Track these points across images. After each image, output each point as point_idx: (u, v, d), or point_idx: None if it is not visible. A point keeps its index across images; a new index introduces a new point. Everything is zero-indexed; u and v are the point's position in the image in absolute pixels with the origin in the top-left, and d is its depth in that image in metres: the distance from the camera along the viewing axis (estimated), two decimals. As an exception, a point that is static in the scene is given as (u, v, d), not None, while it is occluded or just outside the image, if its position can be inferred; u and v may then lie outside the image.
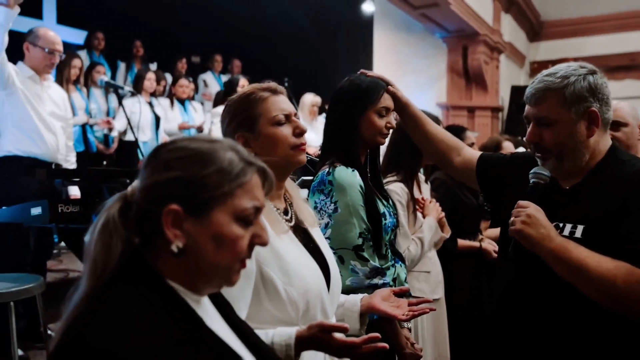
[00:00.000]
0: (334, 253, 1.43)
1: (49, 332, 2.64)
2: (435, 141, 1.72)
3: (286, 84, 5.25)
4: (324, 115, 4.65)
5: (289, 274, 1.16)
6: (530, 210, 1.29)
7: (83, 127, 4.96)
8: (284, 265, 1.16)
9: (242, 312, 1.08)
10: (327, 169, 1.59)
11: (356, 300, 1.39)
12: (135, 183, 0.84)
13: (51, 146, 3.15)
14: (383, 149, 2.05)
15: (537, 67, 8.99)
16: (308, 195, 1.64)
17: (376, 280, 1.53)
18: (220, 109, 3.48)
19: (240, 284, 1.00)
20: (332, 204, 1.54)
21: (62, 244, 4.22)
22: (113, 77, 5.88)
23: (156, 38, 6.29)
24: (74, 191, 3.34)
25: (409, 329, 1.70)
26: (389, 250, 1.70)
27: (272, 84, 1.31)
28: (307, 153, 1.39)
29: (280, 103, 1.28)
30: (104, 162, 5.16)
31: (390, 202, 1.77)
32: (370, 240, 1.58)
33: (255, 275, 1.13)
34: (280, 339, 1.09)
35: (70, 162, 3.38)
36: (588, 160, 1.38)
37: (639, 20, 8.12)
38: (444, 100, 8.14)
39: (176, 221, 0.79)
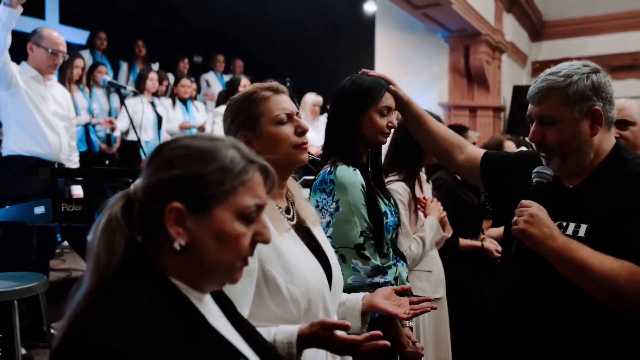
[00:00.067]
0: (336, 252, 1.43)
1: (52, 331, 2.65)
2: (438, 139, 1.71)
3: (288, 84, 5.25)
4: (325, 115, 4.65)
5: (291, 273, 1.16)
6: (533, 210, 1.28)
7: (86, 126, 4.98)
8: (286, 264, 1.17)
9: (245, 310, 1.09)
10: (328, 168, 1.60)
11: (358, 298, 1.39)
12: (138, 181, 0.85)
13: (54, 146, 3.16)
14: (385, 148, 2.05)
15: (539, 66, 8.99)
16: (310, 195, 1.64)
17: (377, 279, 1.53)
18: (222, 108, 3.49)
19: (242, 281, 1.00)
20: (334, 203, 1.55)
21: (65, 243, 4.24)
22: (115, 77, 5.90)
23: (158, 38, 6.30)
24: (77, 190, 3.36)
25: (411, 328, 1.71)
26: (391, 249, 1.70)
27: (274, 83, 1.31)
28: (309, 153, 1.39)
29: (282, 102, 1.29)
30: (106, 162, 5.18)
31: (392, 201, 1.77)
32: (372, 239, 1.58)
33: (258, 273, 1.14)
34: (283, 337, 1.09)
35: (73, 161, 3.39)
36: (592, 159, 1.37)
37: (641, 19, 8.11)
38: (445, 100, 8.14)
39: (179, 219, 0.79)
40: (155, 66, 6.25)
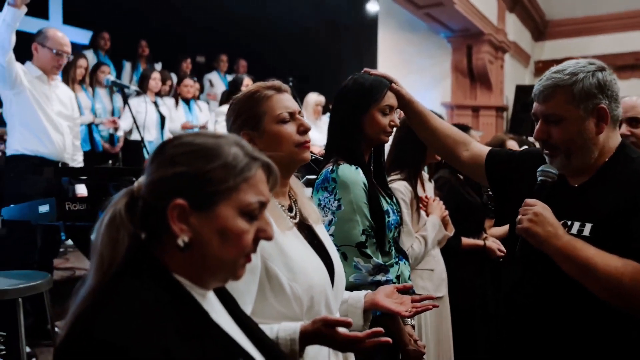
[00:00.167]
0: (338, 250, 1.44)
1: (56, 329, 2.66)
2: (441, 137, 1.71)
3: (290, 84, 5.26)
4: (328, 114, 4.66)
5: (294, 270, 1.17)
6: (537, 209, 1.28)
7: (89, 126, 4.99)
8: (288, 262, 1.17)
9: (247, 307, 1.10)
10: (331, 167, 1.60)
11: (360, 296, 1.40)
12: (142, 179, 0.85)
13: (58, 145, 3.18)
14: (387, 147, 2.06)
15: (541, 66, 8.97)
16: (312, 193, 1.65)
17: (379, 277, 1.54)
18: (225, 108, 3.49)
19: (245, 279, 1.01)
20: (336, 202, 1.55)
21: (68, 242, 4.26)
22: (118, 76, 5.91)
23: (161, 38, 6.32)
24: (81, 189, 3.38)
25: (413, 326, 1.71)
26: (393, 248, 1.70)
27: (277, 82, 1.32)
28: (311, 152, 1.40)
29: (285, 101, 1.29)
30: (109, 162, 5.19)
31: (394, 199, 1.77)
32: (374, 237, 1.58)
33: (260, 271, 1.14)
34: (285, 334, 1.10)
35: (77, 161, 3.41)
36: (597, 157, 1.36)
37: (644, 19, 8.10)
38: (448, 99, 8.14)
39: (182, 216, 0.80)
40: (158, 66, 6.26)
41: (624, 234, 1.26)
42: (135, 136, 5.04)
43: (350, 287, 1.46)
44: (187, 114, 5.60)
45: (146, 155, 4.21)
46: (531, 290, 1.41)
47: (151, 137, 4.97)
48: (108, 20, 6.01)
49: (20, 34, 2.89)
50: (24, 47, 3.11)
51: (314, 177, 1.74)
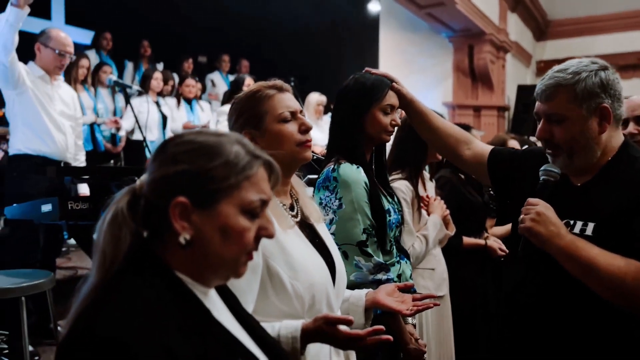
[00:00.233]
0: (339, 248, 1.44)
1: (59, 328, 2.67)
2: (443, 135, 1.71)
3: (292, 84, 5.26)
4: (329, 114, 4.66)
5: (295, 269, 1.17)
6: (539, 208, 1.27)
7: (91, 126, 5.01)
8: (290, 260, 1.18)
9: (249, 306, 1.10)
10: (332, 166, 1.61)
11: (361, 295, 1.40)
12: (144, 177, 0.86)
13: (60, 145, 3.19)
14: (388, 146, 2.06)
15: (543, 66, 8.97)
16: (313, 192, 1.65)
17: (380, 276, 1.54)
18: (227, 107, 3.49)
19: (247, 277, 1.01)
20: (337, 200, 1.56)
21: (71, 241, 4.27)
22: (120, 76, 5.93)
23: (163, 38, 6.33)
24: (83, 189, 3.38)
25: (414, 325, 1.72)
26: (394, 247, 1.71)
27: (278, 82, 1.32)
28: (313, 152, 1.40)
29: (286, 100, 1.30)
30: (111, 161, 5.21)
31: (396, 199, 1.78)
32: (375, 236, 1.59)
33: (262, 269, 1.15)
34: (287, 332, 1.10)
35: (79, 160, 3.42)
36: (600, 157, 1.36)
37: (647, 19, 8.09)
38: (450, 99, 8.14)
39: (184, 213, 0.80)
40: (160, 66, 6.28)
41: (626, 234, 1.25)
42: (137, 136, 5.06)
43: (351, 286, 1.47)
44: (189, 113, 5.61)
45: (148, 155, 4.22)
46: (533, 290, 1.40)
47: (153, 137, 4.98)
48: (110, 21, 6.02)
49: (22, 34, 2.90)
50: (27, 47, 3.12)
51: (315, 176, 1.74)
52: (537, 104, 1.40)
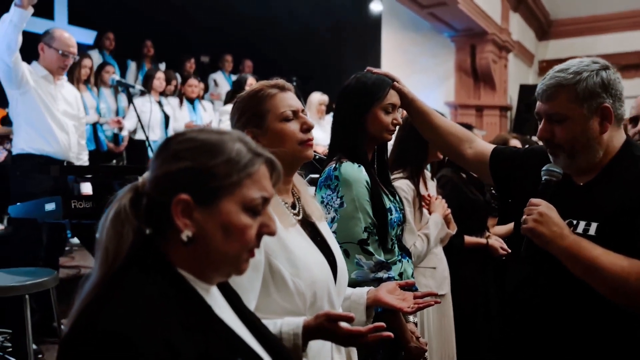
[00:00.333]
0: (340, 247, 1.45)
1: (62, 327, 2.68)
2: (444, 134, 1.71)
3: (294, 84, 5.27)
4: (331, 114, 4.66)
5: (297, 266, 1.18)
6: (542, 209, 1.27)
7: (94, 126, 5.03)
8: (291, 258, 1.18)
9: (251, 303, 1.11)
10: (333, 165, 1.61)
11: (362, 293, 1.41)
12: (146, 174, 0.86)
13: (63, 145, 3.20)
14: (390, 145, 2.06)
15: (545, 66, 8.95)
16: (315, 191, 1.66)
17: (381, 274, 1.55)
18: (229, 107, 3.50)
19: (249, 275, 1.02)
20: (338, 199, 1.56)
21: (74, 240, 4.29)
22: (123, 76, 5.94)
23: (166, 38, 6.34)
24: (86, 188, 3.40)
25: (415, 324, 1.72)
26: (396, 245, 1.71)
27: (280, 81, 1.33)
28: (315, 151, 1.41)
29: (288, 99, 1.31)
30: (114, 161, 5.23)
31: (397, 197, 1.78)
32: (376, 234, 1.60)
33: (264, 267, 1.15)
34: (289, 328, 1.11)
35: (82, 160, 3.43)
36: (601, 156, 1.35)
37: (649, 18, 8.07)
38: (452, 99, 8.14)
39: (186, 210, 0.81)
40: (163, 66, 6.29)
41: (630, 233, 1.25)
42: (139, 136, 5.07)
43: (352, 284, 1.47)
44: (192, 113, 5.62)
45: (150, 155, 4.23)
46: (536, 290, 1.40)
47: (155, 137, 5.00)
48: (113, 21, 6.04)
49: (26, 34, 2.92)
50: (30, 47, 3.13)
51: (317, 176, 1.75)
52: (538, 103, 1.39)
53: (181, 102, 5.58)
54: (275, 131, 1.28)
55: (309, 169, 2.35)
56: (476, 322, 2.51)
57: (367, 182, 1.59)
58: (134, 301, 0.75)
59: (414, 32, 8.08)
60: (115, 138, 5.25)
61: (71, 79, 4.41)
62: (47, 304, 2.66)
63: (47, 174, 2.94)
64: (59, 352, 0.75)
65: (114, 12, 6.08)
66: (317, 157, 2.00)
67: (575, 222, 1.34)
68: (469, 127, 2.71)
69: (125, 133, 5.11)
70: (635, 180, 1.31)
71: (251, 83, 4.55)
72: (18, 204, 2.69)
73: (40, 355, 2.84)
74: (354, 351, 1.35)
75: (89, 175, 2.98)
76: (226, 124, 4.39)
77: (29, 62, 3.12)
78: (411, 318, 1.69)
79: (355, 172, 1.58)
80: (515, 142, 3.29)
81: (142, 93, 4.97)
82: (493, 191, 2.83)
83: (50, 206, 2.44)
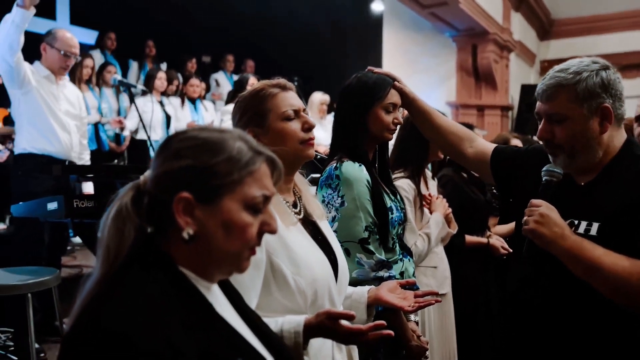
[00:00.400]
0: (341, 246, 1.45)
1: (64, 326, 2.69)
2: (445, 133, 1.71)
3: (296, 83, 5.27)
4: (333, 114, 4.66)
5: (298, 265, 1.18)
6: (543, 209, 1.27)
7: (95, 125, 5.03)
8: (292, 256, 1.19)
9: (253, 302, 1.11)
10: (334, 164, 1.62)
11: (363, 291, 1.41)
12: (148, 173, 0.86)
13: (65, 144, 3.21)
14: (391, 145, 2.07)
15: (547, 65, 8.94)
16: (316, 191, 1.66)
17: (382, 273, 1.55)
18: (230, 106, 3.51)
19: (250, 273, 1.03)
20: (339, 198, 1.57)
21: (76, 240, 4.29)
22: (125, 76, 5.94)
23: (168, 38, 6.35)
24: (88, 187, 3.40)
25: (416, 323, 1.72)
26: (397, 245, 1.71)
27: (282, 80, 1.34)
28: (316, 151, 1.41)
29: (290, 99, 1.31)
30: (115, 161, 5.23)
31: (398, 196, 1.78)
32: (377, 233, 1.60)
33: (265, 265, 1.16)
34: (290, 327, 1.11)
35: (84, 160, 3.44)
36: (602, 156, 1.35)
37: (651, 18, 8.06)
38: (453, 99, 8.14)
39: (187, 208, 0.81)
40: (164, 66, 6.30)
41: (631, 233, 1.25)
42: (141, 135, 5.08)
43: (353, 283, 1.47)
44: (193, 113, 5.63)
45: (152, 155, 4.23)
46: (538, 290, 1.40)
47: (157, 137, 5.00)
48: (114, 21, 6.04)
49: (28, 34, 2.92)
50: (32, 46, 3.14)
51: (318, 175, 1.75)
52: (538, 103, 1.39)
53: (183, 102, 5.59)
54: (277, 130, 1.28)
55: (311, 168, 2.35)
56: (477, 322, 2.52)
57: (368, 181, 1.60)
58: (135, 299, 0.76)
59: (415, 31, 8.08)
60: (117, 138, 5.25)
61: (73, 79, 4.42)
62: (49, 303, 2.67)
63: (49, 173, 2.94)
64: (61, 351, 0.75)
65: (115, 12, 6.09)
66: (318, 156, 2.01)
67: (576, 222, 1.33)
68: (470, 126, 2.71)
69: (127, 133, 5.12)
70: (636, 180, 1.31)
71: (253, 83, 4.55)
72: (20, 203, 2.70)
73: (42, 354, 2.85)
74: (354, 349, 1.36)
75: (91, 175, 2.99)
76: (228, 124, 4.40)
77: (31, 62, 3.12)
78: (412, 317, 1.69)
79: (356, 171, 1.58)
80: (516, 142, 3.29)
81: (144, 93, 4.97)
82: (494, 190, 2.83)
83: (52, 205, 2.45)
